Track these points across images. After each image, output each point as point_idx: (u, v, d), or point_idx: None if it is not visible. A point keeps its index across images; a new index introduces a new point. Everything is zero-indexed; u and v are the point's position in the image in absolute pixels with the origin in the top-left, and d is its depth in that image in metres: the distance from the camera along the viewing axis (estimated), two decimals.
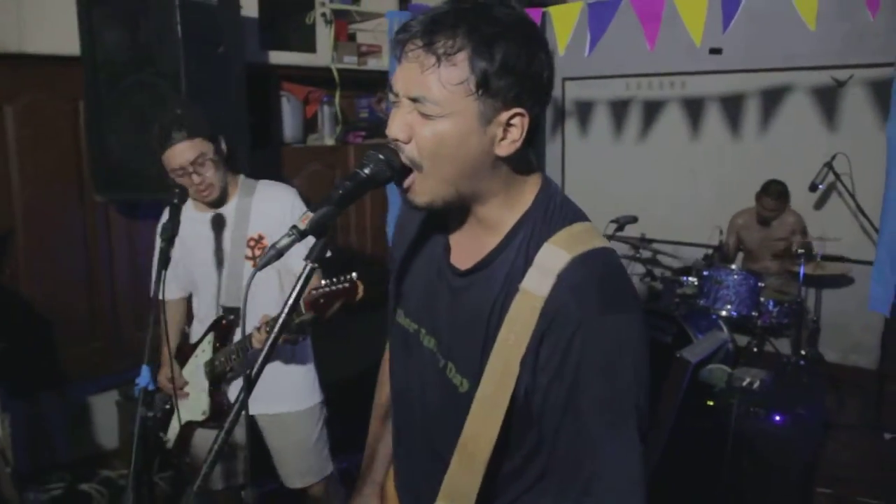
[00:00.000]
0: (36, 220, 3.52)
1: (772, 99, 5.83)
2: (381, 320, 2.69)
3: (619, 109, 6.60)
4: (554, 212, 1.31)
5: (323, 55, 4.48)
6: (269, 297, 2.73)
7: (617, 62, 6.14)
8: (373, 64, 4.81)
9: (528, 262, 1.26)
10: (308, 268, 1.22)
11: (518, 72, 1.18)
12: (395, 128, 1.23)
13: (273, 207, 2.73)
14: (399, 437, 1.59)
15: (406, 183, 1.26)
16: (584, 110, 6.79)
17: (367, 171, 1.24)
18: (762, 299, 5.14)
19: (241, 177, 2.80)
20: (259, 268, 1.19)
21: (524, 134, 1.23)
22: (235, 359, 2.68)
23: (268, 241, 2.70)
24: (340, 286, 2.35)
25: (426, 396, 1.43)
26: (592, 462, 1.21)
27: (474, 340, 1.30)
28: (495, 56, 1.16)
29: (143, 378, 2.18)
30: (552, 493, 1.28)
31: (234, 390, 2.83)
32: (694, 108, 6.22)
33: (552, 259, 1.23)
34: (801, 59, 5.54)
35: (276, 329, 1.22)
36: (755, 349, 5.30)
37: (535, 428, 1.29)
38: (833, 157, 5.13)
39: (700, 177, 6.19)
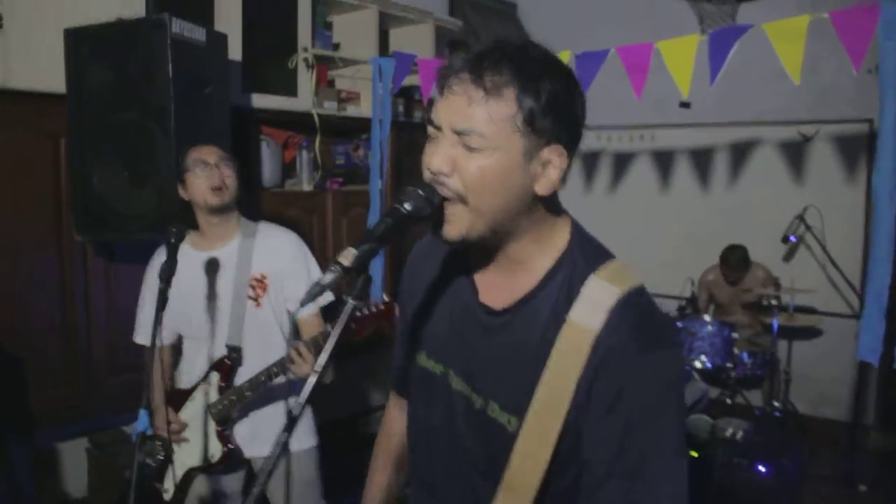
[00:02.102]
0: (10, 258, 3.39)
1: (741, 152, 5.96)
2: (375, 361, 2.67)
3: (590, 161, 6.68)
4: (591, 249, 1.34)
5: (304, 100, 4.46)
6: (272, 340, 2.79)
7: (588, 114, 6.21)
8: (351, 110, 4.80)
9: (571, 296, 1.26)
10: (351, 304, 1.20)
11: (561, 110, 1.21)
12: (438, 161, 1.22)
13: (277, 248, 2.80)
14: (423, 486, 1.54)
15: (447, 212, 1.25)
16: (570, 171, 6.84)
17: (407, 206, 1.23)
18: (736, 350, 5.18)
19: (241, 217, 2.84)
20: (304, 303, 1.18)
21: (562, 173, 1.26)
22: (246, 395, 2.69)
23: (270, 282, 2.75)
24: (376, 309, 2.54)
25: (459, 439, 1.40)
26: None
27: (521, 376, 1.28)
28: (541, 93, 1.18)
29: (142, 423, 2.11)
30: None
31: (239, 431, 2.82)
32: (664, 161, 6.32)
33: (601, 293, 1.25)
34: (769, 114, 5.70)
35: (321, 364, 1.18)
36: (728, 401, 5.32)
37: (577, 462, 1.27)
38: (804, 210, 5.23)
39: (670, 229, 6.26)
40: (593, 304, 1.24)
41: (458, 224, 1.24)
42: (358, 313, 2.54)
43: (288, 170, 4.69)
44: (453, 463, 1.42)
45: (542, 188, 1.25)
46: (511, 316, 1.32)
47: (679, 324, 5.24)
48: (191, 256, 2.74)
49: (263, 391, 2.69)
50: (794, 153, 5.72)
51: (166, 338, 2.90)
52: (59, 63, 3.21)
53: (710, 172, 6.12)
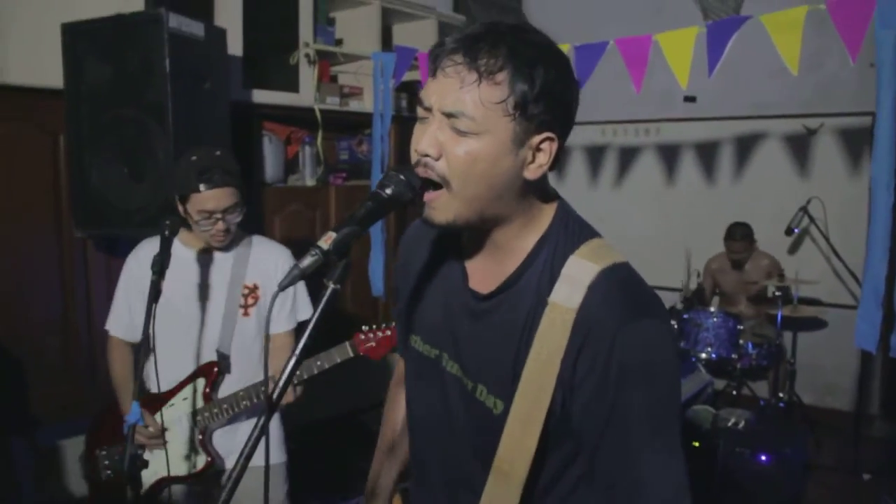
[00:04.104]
0: (10, 255, 3.41)
1: (745, 146, 5.94)
2: (352, 364, 2.64)
3: (596, 155, 6.66)
4: (574, 228, 1.32)
5: (306, 95, 4.47)
6: (254, 351, 2.73)
7: (592, 109, 6.17)
8: (354, 105, 4.81)
9: (553, 277, 1.25)
10: (331, 289, 1.18)
11: (554, 97, 1.20)
12: (426, 143, 1.21)
13: (273, 262, 2.73)
14: (421, 469, 1.54)
15: (428, 197, 1.24)
16: (561, 155, 6.83)
17: (388, 191, 1.23)
18: (741, 342, 5.17)
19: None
20: (282, 287, 1.14)
21: (551, 159, 1.25)
22: (241, 406, 2.61)
23: (261, 293, 2.69)
24: (382, 334, 2.59)
25: (454, 422, 1.39)
26: (637, 474, 1.20)
27: (506, 360, 1.28)
28: (535, 79, 1.16)
29: (134, 414, 2.11)
30: None
31: (217, 441, 2.72)
32: (668, 155, 6.30)
33: (580, 271, 1.23)
34: (772, 108, 5.68)
35: (295, 354, 1.17)
36: (734, 392, 5.31)
37: (570, 439, 1.26)
38: (808, 202, 5.21)
39: (675, 222, 6.24)
40: (573, 283, 1.22)
41: (443, 211, 1.24)
42: (367, 337, 2.60)
43: (291, 165, 4.70)
44: (449, 446, 1.41)
45: (530, 174, 1.24)
46: (495, 301, 1.32)
47: (685, 315, 5.23)
48: (184, 256, 2.65)
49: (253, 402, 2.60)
50: (798, 146, 5.70)
51: (131, 333, 2.74)
52: (57, 58, 3.22)
53: (715, 166, 6.10)
